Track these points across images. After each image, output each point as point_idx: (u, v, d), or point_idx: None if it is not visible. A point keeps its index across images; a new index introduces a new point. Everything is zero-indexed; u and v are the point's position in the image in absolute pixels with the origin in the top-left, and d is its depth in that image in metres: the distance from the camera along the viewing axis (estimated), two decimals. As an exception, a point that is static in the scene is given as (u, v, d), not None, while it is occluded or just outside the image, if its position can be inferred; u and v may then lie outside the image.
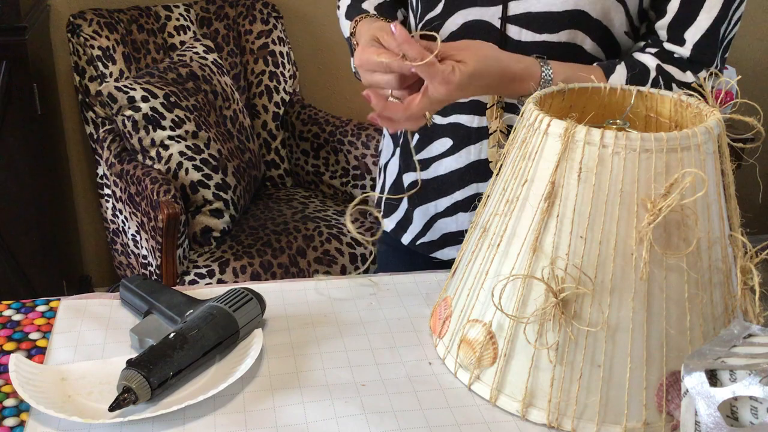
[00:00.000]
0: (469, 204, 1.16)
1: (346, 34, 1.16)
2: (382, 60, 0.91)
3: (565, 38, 1.03)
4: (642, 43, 1.06)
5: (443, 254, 1.22)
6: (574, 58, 1.04)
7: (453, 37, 1.07)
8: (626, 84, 1.00)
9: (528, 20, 1.04)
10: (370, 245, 1.21)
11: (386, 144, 1.29)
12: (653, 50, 1.04)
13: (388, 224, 1.29)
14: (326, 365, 0.88)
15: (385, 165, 1.29)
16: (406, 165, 1.23)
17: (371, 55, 0.92)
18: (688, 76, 1.02)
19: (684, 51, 1.02)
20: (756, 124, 0.81)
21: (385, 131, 1.31)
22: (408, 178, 1.23)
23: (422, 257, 1.23)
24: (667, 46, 1.03)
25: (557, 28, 1.03)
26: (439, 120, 1.14)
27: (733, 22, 1.02)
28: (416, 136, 1.19)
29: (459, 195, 1.17)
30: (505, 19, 1.04)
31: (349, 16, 1.14)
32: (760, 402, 0.62)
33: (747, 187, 1.44)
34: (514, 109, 1.08)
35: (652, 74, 1.02)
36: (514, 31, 1.05)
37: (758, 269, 0.80)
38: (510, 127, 1.09)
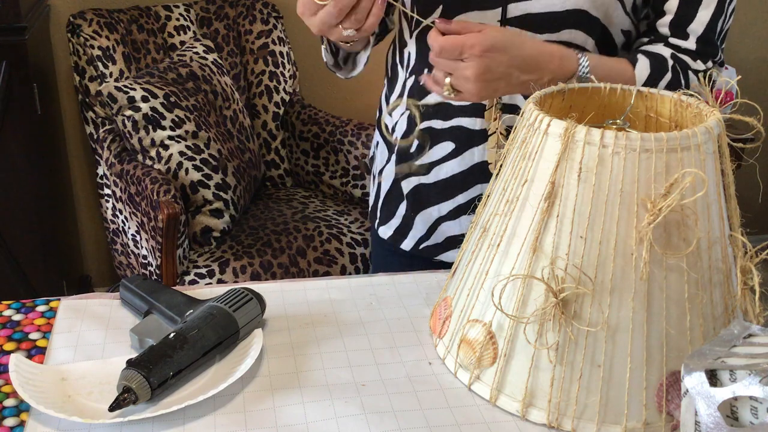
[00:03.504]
0: (472, 206, 1.16)
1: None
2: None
3: (566, 38, 1.03)
4: (646, 39, 1.07)
5: (447, 257, 1.21)
6: None
7: None
8: (650, 72, 1.02)
9: (528, 21, 1.03)
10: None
11: (380, 151, 1.28)
12: (661, 44, 1.06)
13: (386, 231, 1.27)
14: (326, 365, 0.88)
15: (380, 171, 1.28)
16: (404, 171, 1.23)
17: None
18: (699, 65, 1.05)
19: (689, 44, 1.04)
20: (756, 124, 0.81)
21: (377, 138, 1.30)
22: (408, 184, 1.22)
23: (425, 260, 1.23)
24: (672, 41, 1.05)
25: (558, 27, 1.03)
26: (440, 124, 1.13)
27: (728, 15, 1.05)
28: (415, 142, 1.18)
29: (462, 198, 1.16)
30: (505, 21, 1.04)
31: None
32: (760, 402, 0.62)
33: (747, 187, 1.44)
34: (513, 109, 1.08)
35: (670, 62, 1.03)
36: None
37: (758, 269, 0.80)
38: (510, 128, 1.09)
